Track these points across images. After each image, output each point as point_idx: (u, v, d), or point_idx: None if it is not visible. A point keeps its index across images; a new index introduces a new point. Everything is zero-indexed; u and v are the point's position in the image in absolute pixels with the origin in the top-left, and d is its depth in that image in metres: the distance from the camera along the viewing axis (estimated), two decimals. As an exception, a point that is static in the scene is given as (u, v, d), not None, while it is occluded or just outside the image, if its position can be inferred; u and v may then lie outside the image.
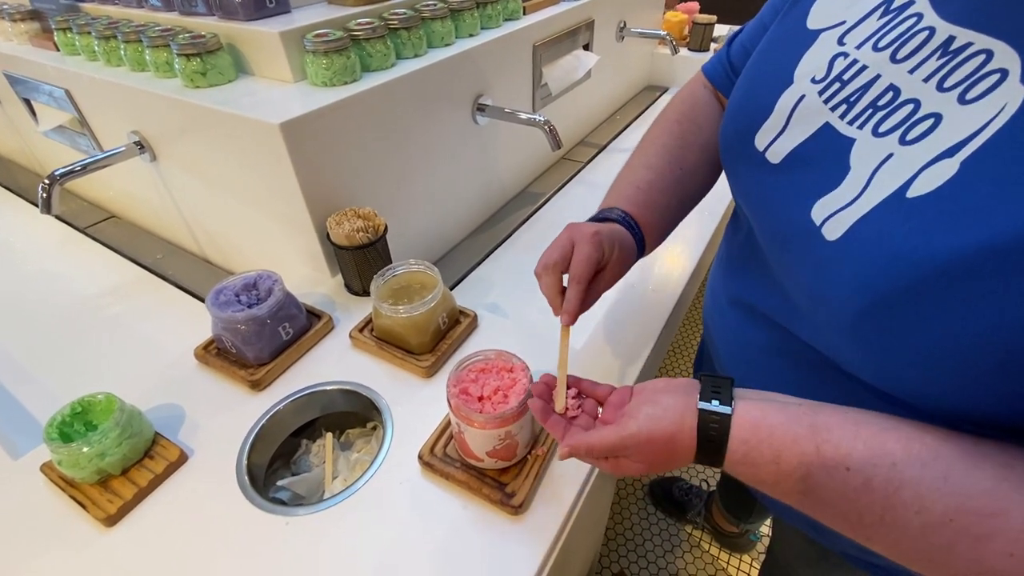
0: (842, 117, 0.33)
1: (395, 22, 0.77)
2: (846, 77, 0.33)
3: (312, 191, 0.67)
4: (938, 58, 0.29)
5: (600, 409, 0.42)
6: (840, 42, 0.35)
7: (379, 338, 0.64)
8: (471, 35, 0.90)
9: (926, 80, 0.29)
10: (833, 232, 0.31)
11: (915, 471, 0.27)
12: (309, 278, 0.76)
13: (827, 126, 0.34)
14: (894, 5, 0.33)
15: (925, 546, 0.26)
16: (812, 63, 0.36)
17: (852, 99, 0.33)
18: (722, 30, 1.82)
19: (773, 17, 0.45)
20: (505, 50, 0.95)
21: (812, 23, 0.38)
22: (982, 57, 0.27)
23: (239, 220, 0.80)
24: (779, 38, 0.41)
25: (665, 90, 1.74)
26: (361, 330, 0.65)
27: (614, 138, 1.42)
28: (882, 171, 0.30)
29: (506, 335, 0.67)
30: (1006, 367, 0.24)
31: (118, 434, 0.49)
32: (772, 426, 0.31)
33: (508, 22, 1.00)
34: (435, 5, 0.83)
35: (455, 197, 0.96)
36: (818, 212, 0.33)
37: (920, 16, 0.31)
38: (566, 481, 0.50)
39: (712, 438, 0.33)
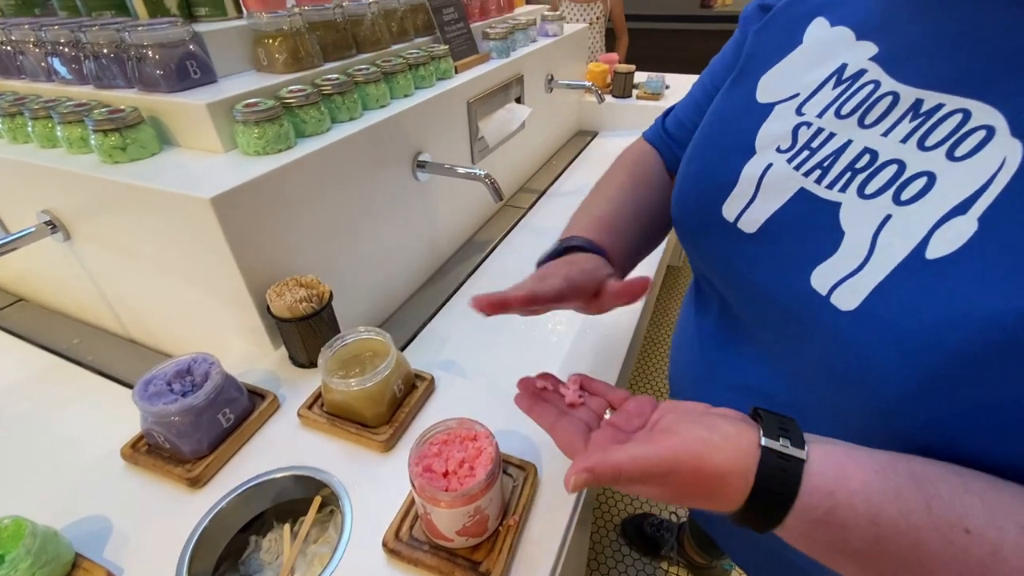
0: (818, 182, 0.32)
1: (328, 88, 0.76)
2: (814, 145, 0.34)
3: (249, 263, 0.63)
4: (910, 120, 0.30)
5: (608, 412, 0.36)
6: (799, 112, 0.35)
7: (331, 414, 0.60)
8: (406, 95, 0.91)
9: (903, 141, 0.29)
10: (847, 302, 0.29)
11: None
12: (249, 353, 0.72)
13: (803, 191, 0.33)
14: (846, 75, 0.34)
15: None
16: (773, 133, 0.36)
17: (826, 164, 0.33)
18: (641, 77, 1.95)
19: (705, 95, 0.47)
20: (440, 108, 0.97)
21: (763, 97, 0.38)
22: (959, 116, 0.28)
23: (168, 297, 0.75)
24: (728, 111, 0.41)
25: (595, 134, 1.83)
26: (311, 406, 0.61)
27: (553, 182, 1.46)
28: (884, 233, 0.28)
29: (466, 395, 0.66)
30: None
31: (29, 564, 0.42)
32: (866, 474, 0.25)
33: (441, 81, 1.02)
34: (368, 69, 0.84)
35: (400, 254, 0.94)
36: (819, 281, 0.30)
37: (877, 83, 0.32)
38: (542, 549, 0.48)
39: (777, 488, 0.26)
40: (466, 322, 0.93)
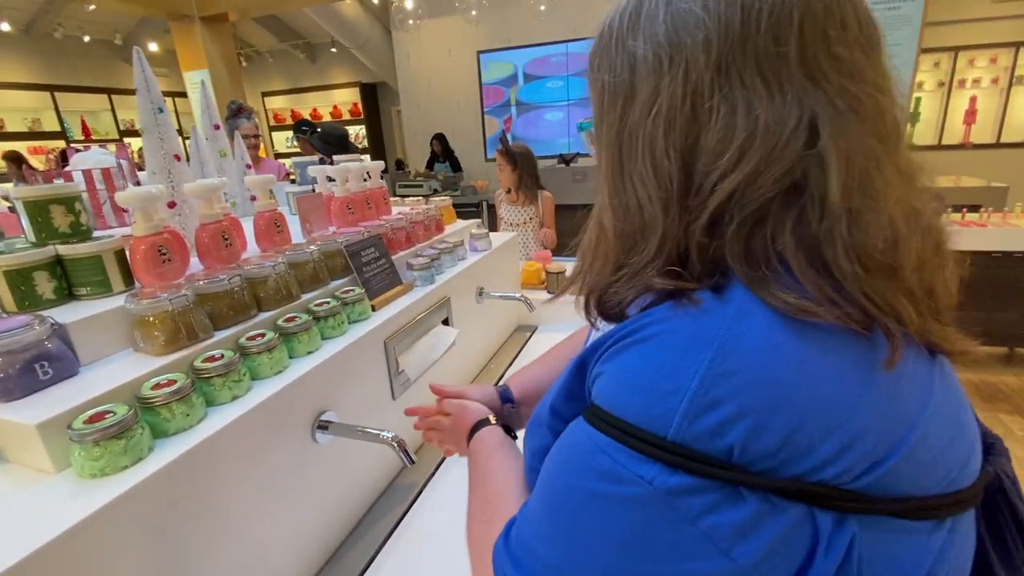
0: None
1: (208, 372, 0.69)
2: None
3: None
4: None
5: None
6: None
7: None
8: (310, 352, 0.86)
9: None
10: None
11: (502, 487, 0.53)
12: None
13: None
14: None
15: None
16: None
17: None
18: (576, 270, 2.03)
19: None
20: (352, 357, 0.91)
21: None
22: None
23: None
24: None
25: (535, 329, 1.82)
26: None
27: (489, 394, 1.39)
28: None
29: None
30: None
31: None
32: (497, 445, 0.61)
33: (356, 324, 0.98)
34: (264, 337, 0.78)
35: (289, 537, 0.79)
36: None
37: None
38: None
39: (472, 432, 0.67)
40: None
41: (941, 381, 0.35)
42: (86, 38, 6.32)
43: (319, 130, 2.89)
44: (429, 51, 6.50)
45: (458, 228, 1.61)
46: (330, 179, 1.37)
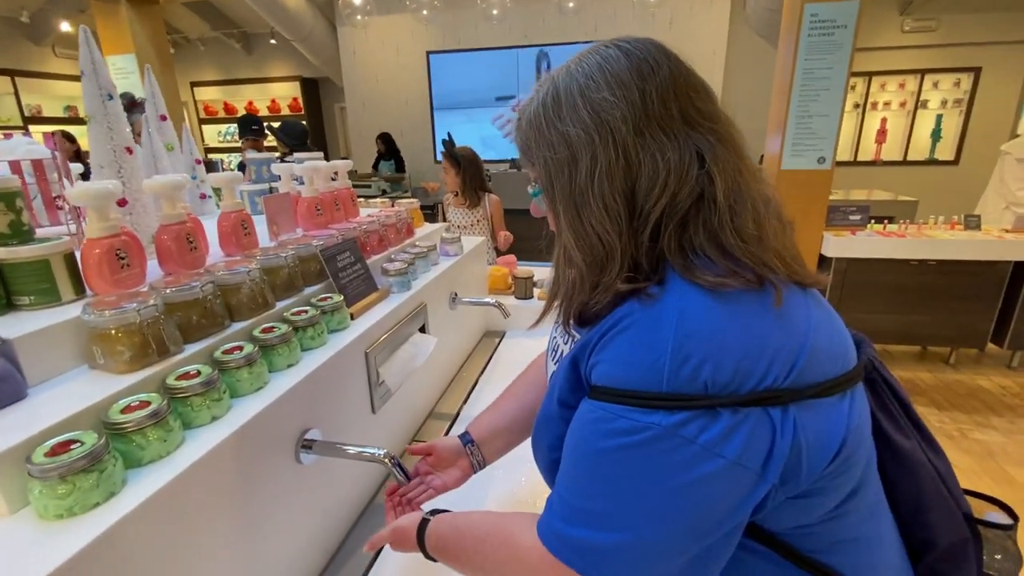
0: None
1: (185, 391, 0.62)
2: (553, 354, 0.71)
3: None
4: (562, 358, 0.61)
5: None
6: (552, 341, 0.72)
7: None
8: (290, 366, 0.79)
9: (553, 361, 0.71)
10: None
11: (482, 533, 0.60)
12: None
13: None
14: (555, 335, 0.71)
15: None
16: (551, 343, 0.73)
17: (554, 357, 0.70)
18: (542, 274, 2.03)
19: None
20: (333, 369, 0.85)
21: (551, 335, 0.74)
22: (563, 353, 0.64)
23: None
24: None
25: (503, 334, 1.80)
26: None
27: (464, 402, 1.35)
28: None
29: None
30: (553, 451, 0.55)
31: None
32: (451, 519, 0.65)
33: (335, 333, 0.92)
34: (242, 351, 0.71)
35: (268, 568, 0.73)
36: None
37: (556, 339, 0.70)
38: None
39: (420, 530, 0.65)
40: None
41: (815, 303, 0.50)
42: (-15, 13, 5.64)
43: (273, 126, 2.75)
44: (376, 49, 6.32)
45: (427, 232, 1.56)
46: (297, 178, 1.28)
